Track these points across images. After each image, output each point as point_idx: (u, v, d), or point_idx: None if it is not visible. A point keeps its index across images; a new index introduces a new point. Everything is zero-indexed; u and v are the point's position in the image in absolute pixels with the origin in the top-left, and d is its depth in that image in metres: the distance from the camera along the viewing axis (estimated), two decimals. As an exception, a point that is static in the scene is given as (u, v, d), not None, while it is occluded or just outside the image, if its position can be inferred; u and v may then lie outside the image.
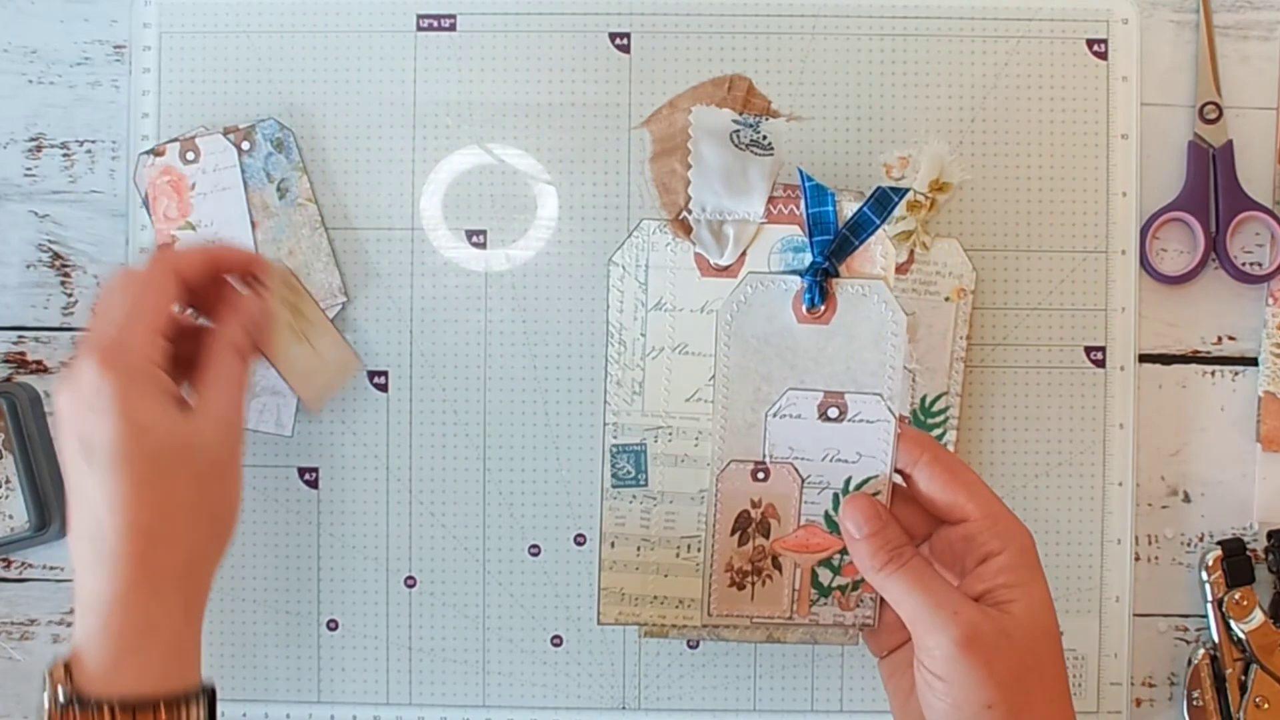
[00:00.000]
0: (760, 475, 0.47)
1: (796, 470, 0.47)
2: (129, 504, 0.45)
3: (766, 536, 0.47)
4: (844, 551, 0.47)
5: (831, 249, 0.47)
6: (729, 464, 0.47)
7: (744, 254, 0.49)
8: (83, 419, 0.45)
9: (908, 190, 0.49)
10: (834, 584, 0.48)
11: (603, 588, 0.50)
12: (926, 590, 0.43)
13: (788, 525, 0.47)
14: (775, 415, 0.46)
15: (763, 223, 0.49)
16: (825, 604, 0.48)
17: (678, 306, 0.49)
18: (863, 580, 0.47)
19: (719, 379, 0.46)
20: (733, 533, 0.48)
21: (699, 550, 0.49)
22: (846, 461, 0.46)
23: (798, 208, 0.48)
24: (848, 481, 0.47)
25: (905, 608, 0.44)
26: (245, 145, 0.59)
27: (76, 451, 0.45)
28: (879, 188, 0.47)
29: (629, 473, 0.49)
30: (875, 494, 0.46)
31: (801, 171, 0.47)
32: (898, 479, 0.47)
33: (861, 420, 0.46)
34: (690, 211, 0.49)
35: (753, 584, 0.48)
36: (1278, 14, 0.61)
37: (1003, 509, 0.45)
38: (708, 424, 0.48)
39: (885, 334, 0.46)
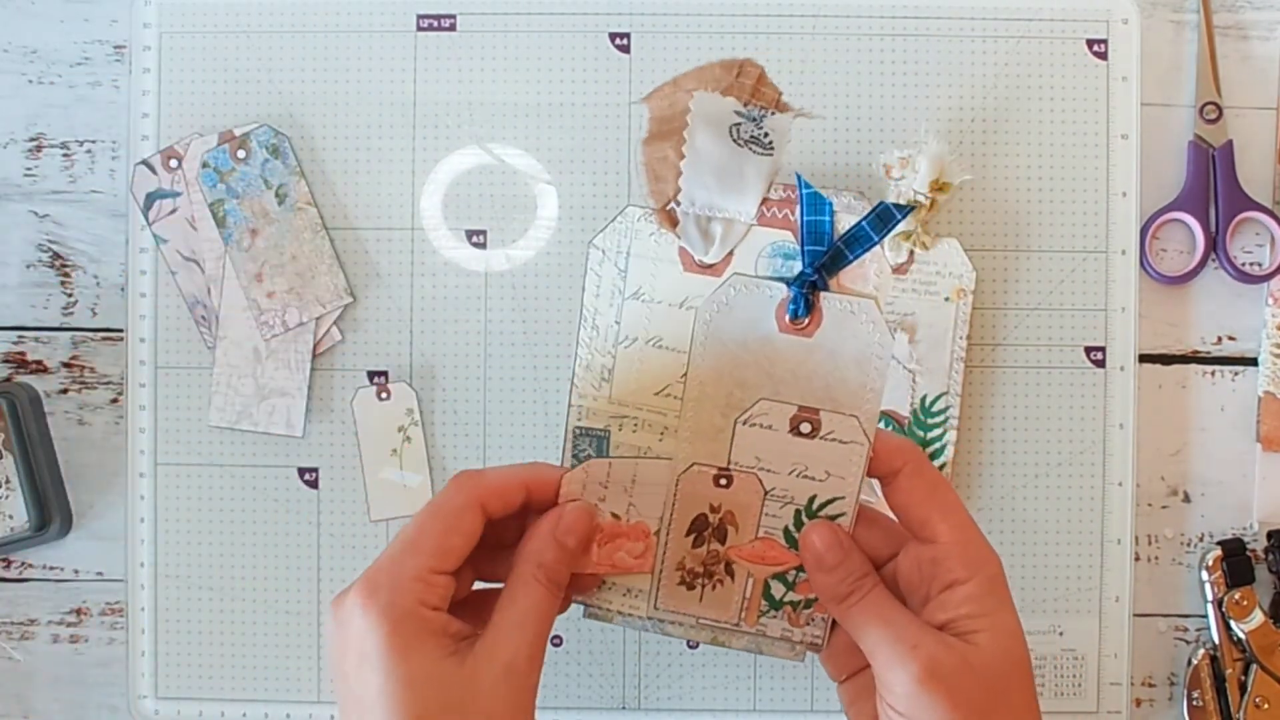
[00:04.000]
0: (723, 481, 0.46)
1: (760, 481, 0.45)
2: None
3: (722, 542, 0.46)
4: (800, 569, 0.46)
5: (823, 261, 0.45)
6: (691, 465, 0.46)
7: (731, 253, 0.47)
8: (348, 664, 0.41)
9: (911, 209, 0.46)
10: (786, 598, 0.47)
11: None
12: (886, 623, 0.42)
13: (745, 534, 0.46)
14: (745, 423, 0.45)
15: (753, 224, 0.47)
16: (775, 617, 0.47)
17: (656, 299, 0.47)
18: (815, 599, 0.46)
19: (691, 378, 0.45)
20: (688, 534, 0.46)
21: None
22: (813, 479, 0.45)
23: (793, 212, 0.47)
24: (812, 500, 0.45)
25: (866, 641, 0.43)
26: (241, 154, 0.59)
27: (348, 699, 0.41)
28: (881, 202, 0.45)
29: (590, 457, 0.48)
30: (839, 515, 0.45)
31: (800, 177, 0.46)
32: (871, 492, 0.45)
33: (834, 439, 0.45)
34: (679, 203, 0.48)
35: (703, 586, 0.47)
36: (1278, 14, 0.61)
37: (974, 534, 0.43)
38: (675, 420, 0.46)
39: (869, 355, 0.44)
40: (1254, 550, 0.60)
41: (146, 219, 0.60)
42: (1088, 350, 0.60)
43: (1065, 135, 0.60)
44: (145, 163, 0.60)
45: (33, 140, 0.62)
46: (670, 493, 0.46)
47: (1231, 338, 0.61)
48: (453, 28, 0.60)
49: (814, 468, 0.45)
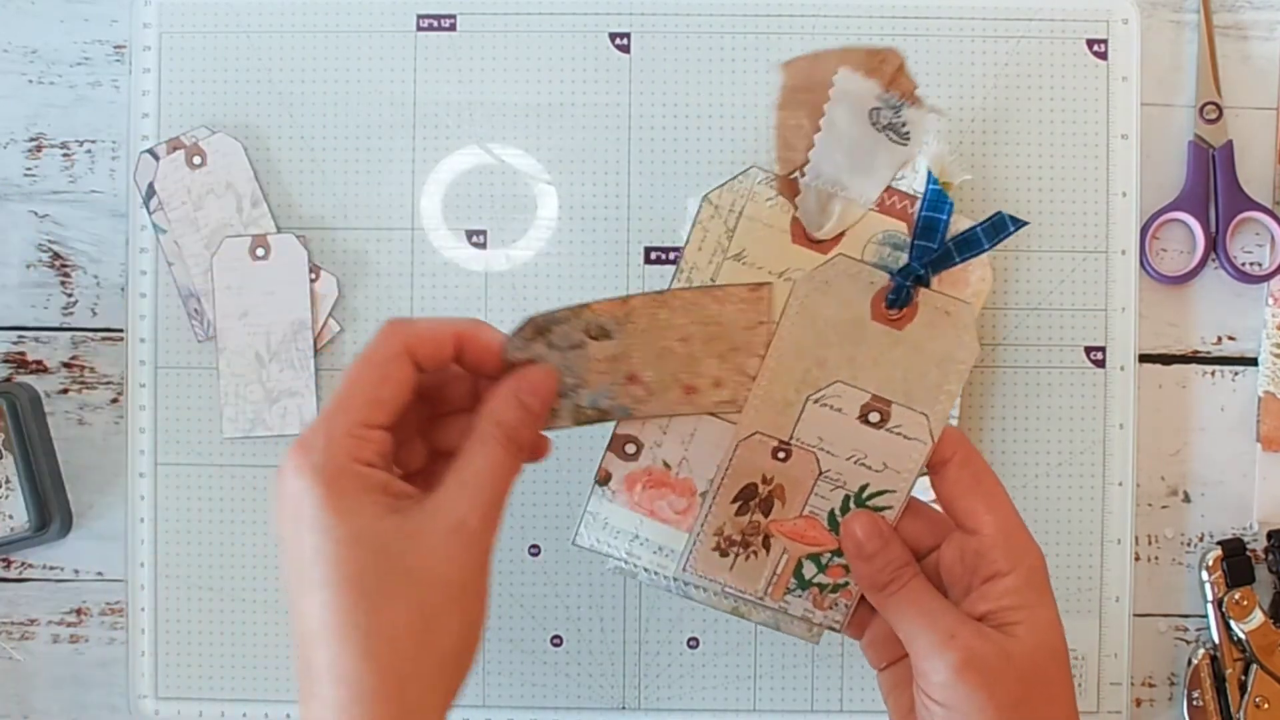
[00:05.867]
0: (781, 455, 0.46)
1: (818, 461, 0.46)
2: (354, 638, 0.37)
3: (766, 515, 0.47)
4: (835, 552, 0.47)
5: (932, 258, 0.45)
6: (754, 434, 0.46)
7: (842, 234, 0.47)
8: (285, 528, 0.39)
9: (1026, 223, 0.47)
10: (815, 579, 0.47)
11: (589, 511, 0.48)
12: (924, 613, 0.42)
13: (790, 510, 0.47)
14: (816, 402, 0.45)
15: (871, 209, 0.47)
16: (800, 596, 0.47)
17: (757, 264, 0.47)
18: (844, 585, 0.47)
19: (773, 349, 0.45)
20: (734, 500, 0.47)
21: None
22: (869, 469, 0.46)
23: (911, 205, 0.47)
24: (863, 488, 0.46)
25: (904, 630, 0.43)
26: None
27: (289, 570, 0.39)
28: (999, 213, 0.45)
29: None
30: (886, 509, 0.46)
31: (930, 172, 0.46)
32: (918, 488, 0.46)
33: (899, 434, 0.45)
34: (803, 174, 0.47)
35: (737, 555, 0.47)
36: (1278, 14, 0.61)
37: (1017, 526, 0.44)
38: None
39: (953, 358, 0.45)
40: (1254, 550, 0.60)
41: (147, 208, 0.60)
42: (1088, 350, 0.60)
43: (1065, 135, 0.60)
44: (150, 151, 0.60)
45: (33, 140, 0.62)
46: (726, 457, 0.46)
47: (1231, 338, 0.61)
48: (453, 28, 0.60)
49: (873, 457, 0.46)
